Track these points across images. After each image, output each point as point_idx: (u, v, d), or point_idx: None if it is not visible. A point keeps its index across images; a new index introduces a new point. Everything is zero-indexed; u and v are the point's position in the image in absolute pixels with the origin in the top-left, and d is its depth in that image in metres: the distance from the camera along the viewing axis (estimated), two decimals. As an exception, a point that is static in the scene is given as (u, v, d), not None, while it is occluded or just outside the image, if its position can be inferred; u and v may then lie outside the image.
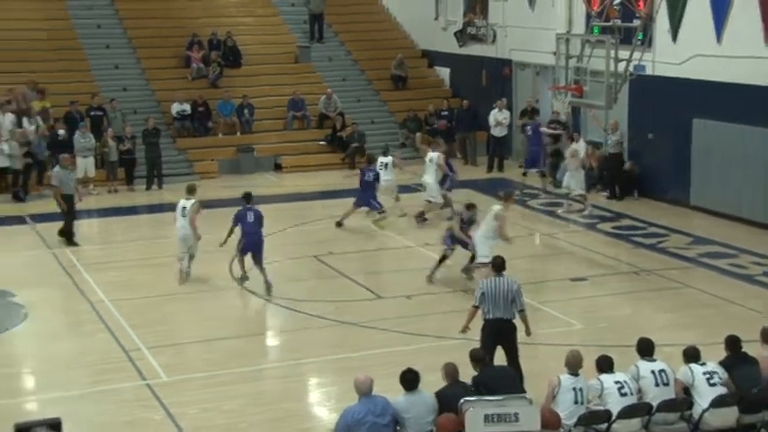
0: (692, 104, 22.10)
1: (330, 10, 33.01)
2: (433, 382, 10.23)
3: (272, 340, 15.59)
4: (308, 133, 28.98)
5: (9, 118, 24.97)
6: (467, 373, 10.42)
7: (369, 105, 30.77)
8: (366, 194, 21.22)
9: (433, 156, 21.30)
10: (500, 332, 12.03)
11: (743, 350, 10.92)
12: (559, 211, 22.09)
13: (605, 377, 10.37)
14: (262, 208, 18.43)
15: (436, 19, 32.10)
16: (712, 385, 10.40)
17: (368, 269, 18.34)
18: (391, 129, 29.83)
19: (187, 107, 27.98)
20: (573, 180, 22.10)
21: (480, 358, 10.70)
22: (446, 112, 29.23)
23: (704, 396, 10.36)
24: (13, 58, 28.43)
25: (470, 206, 17.35)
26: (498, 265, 12.45)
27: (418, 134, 28.88)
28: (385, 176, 21.64)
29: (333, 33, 33.15)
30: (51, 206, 21.53)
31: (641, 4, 22.33)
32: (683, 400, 10.45)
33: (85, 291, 16.96)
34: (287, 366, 13.82)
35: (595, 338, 14.15)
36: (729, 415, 10.41)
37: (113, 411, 12.22)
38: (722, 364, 10.71)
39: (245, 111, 28.49)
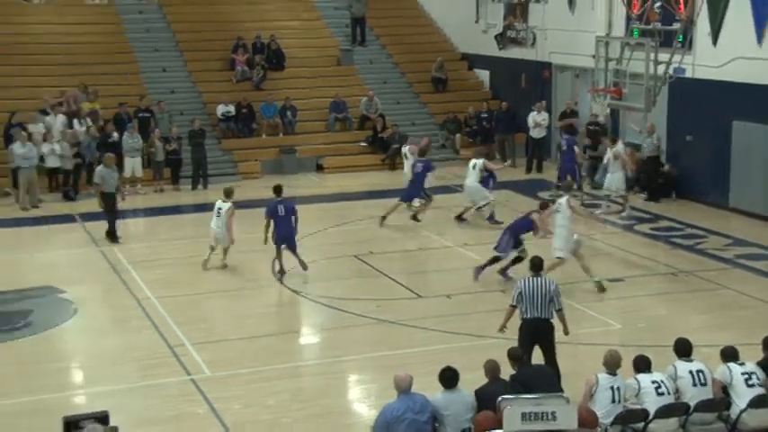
0: (732, 107, 21.86)
1: (372, 14, 33.06)
2: (471, 381, 10.19)
3: (313, 338, 15.62)
4: (349, 134, 29.02)
5: (60, 119, 25.30)
6: (505, 372, 10.38)
7: (409, 107, 30.74)
8: (414, 187, 21.31)
9: (478, 162, 21.23)
10: (537, 331, 11.96)
11: (781, 351, 10.81)
12: (598, 212, 21.92)
13: (642, 377, 10.28)
14: (304, 208, 18.65)
15: (476, 22, 32.01)
16: (751, 386, 10.28)
17: (408, 269, 18.31)
18: (431, 130, 29.71)
19: (232, 109, 28.14)
20: (614, 181, 21.94)
21: (518, 357, 10.65)
22: (486, 114, 29.14)
23: (742, 396, 10.24)
24: (67, 62, 28.83)
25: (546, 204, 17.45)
26: (536, 265, 12.40)
27: (458, 135, 28.87)
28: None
29: (374, 37, 33.17)
30: (99, 205, 21.76)
31: (682, 6, 22.14)
32: (721, 400, 10.34)
33: (132, 288, 17.11)
34: (328, 363, 13.83)
35: (633, 338, 14.05)
36: (767, 415, 10.28)
37: (159, 405, 12.30)
38: (759, 364, 10.59)
39: (288, 112, 28.58)
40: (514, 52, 29.93)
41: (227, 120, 28.05)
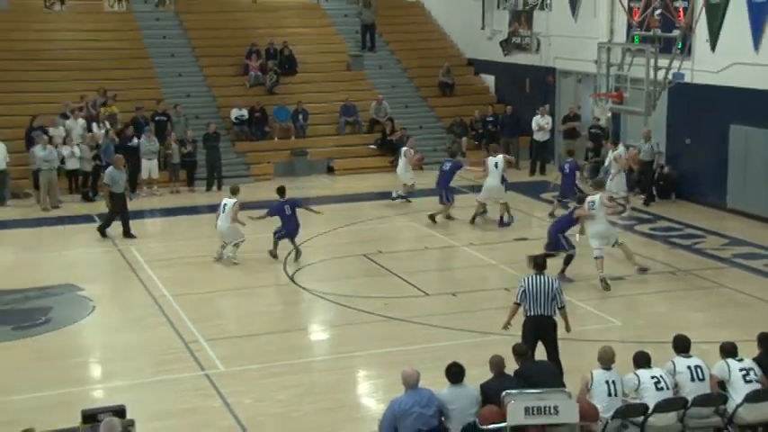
0: (730, 111, 21.81)
1: (381, 20, 33.07)
2: (476, 376, 10.19)
3: (322, 334, 15.61)
4: (359, 137, 29.01)
5: (80, 123, 25.36)
6: (510, 368, 10.37)
7: (417, 111, 30.72)
8: (442, 183, 21.41)
9: (499, 159, 21.21)
10: (541, 328, 11.96)
11: (776, 348, 10.78)
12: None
13: (642, 372, 10.27)
14: (315, 209, 18.71)
15: (482, 29, 31.99)
16: (748, 382, 10.27)
17: (415, 267, 18.30)
18: (438, 134, 29.78)
19: (245, 112, 28.16)
20: (615, 183, 21.89)
21: (523, 353, 10.66)
22: (491, 118, 29.15)
23: (739, 391, 10.23)
24: (86, 68, 28.89)
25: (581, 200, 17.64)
26: (539, 264, 12.38)
27: (464, 138, 28.85)
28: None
29: (384, 43, 33.17)
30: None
31: (681, 14, 22.13)
32: (718, 394, 10.32)
33: (148, 286, 17.14)
34: (337, 359, 13.83)
35: (633, 335, 14.02)
36: (763, 410, 10.26)
37: (174, 399, 12.33)
38: (755, 360, 10.56)
39: (300, 116, 28.59)
40: (519, 58, 29.88)
41: (240, 123, 28.08)
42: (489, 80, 32.06)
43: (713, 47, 22.24)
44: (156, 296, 16.52)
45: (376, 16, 32.62)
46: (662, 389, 10.11)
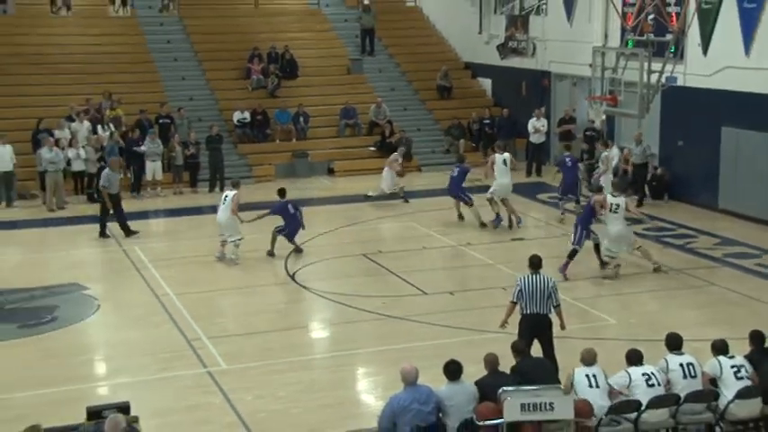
0: (721, 114, 21.81)
1: (380, 25, 33.04)
2: (473, 373, 10.18)
3: (322, 332, 15.60)
4: (359, 140, 29.01)
5: (85, 125, 25.36)
6: (506, 365, 10.37)
7: (415, 114, 30.72)
8: (454, 188, 21.39)
9: (507, 156, 21.17)
10: (537, 326, 11.95)
11: (766, 345, 10.76)
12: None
13: (633, 370, 10.27)
14: (315, 209, 18.79)
15: (480, 33, 31.98)
16: (739, 378, 10.26)
17: (414, 267, 18.28)
18: (436, 136, 29.80)
19: (247, 115, 28.15)
20: (605, 184, 21.88)
21: (521, 349, 10.67)
22: (488, 121, 29.17)
23: (730, 388, 10.22)
24: (91, 71, 28.82)
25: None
26: (535, 263, 12.36)
27: (461, 140, 28.85)
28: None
29: (383, 47, 33.15)
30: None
31: (674, 19, 22.13)
32: (710, 391, 10.32)
33: (152, 285, 17.13)
34: (337, 357, 13.82)
35: (627, 333, 14.03)
36: (754, 406, 10.27)
37: (177, 396, 12.32)
38: (747, 357, 10.55)
39: (301, 119, 28.58)
40: (515, 62, 29.87)
41: (242, 126, 28.07)
42: (486, 83, 32.05)
43: (705, 51, 22.24)
44: (159, 295, 16.51)
45: (375, 21, 32.60)
46: (653, 385, 10.11)
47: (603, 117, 24.95)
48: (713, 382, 10.39)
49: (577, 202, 21.98)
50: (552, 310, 12.07)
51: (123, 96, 27.35)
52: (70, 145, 24.40)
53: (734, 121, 21.53)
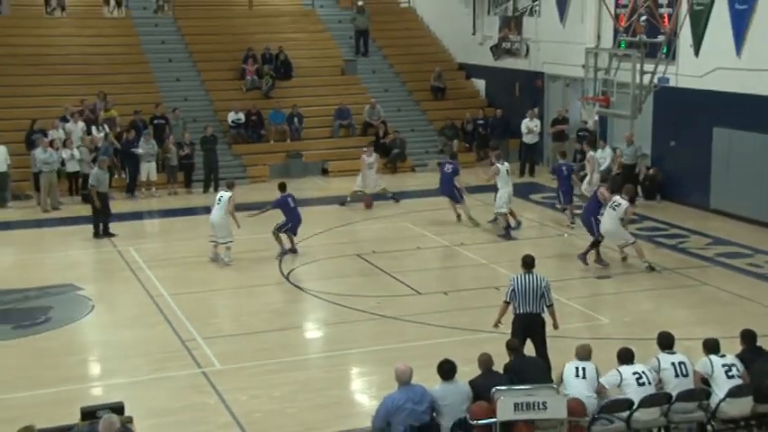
0: (713, 114, 21.86)
1: (374, 26, 33.06)
2: (467, 373, 10.19)
3: (317, 332, 15.59)
4: (353, 140, 28.99)
5: (80, 126, 25.31)
6: (500, 364, 10.39)
7: (409, 114, 30.73)
8: (445, 187, 21.39)
9: (508, 165, 21.19)
10: (530, 326, 11.97)
11: (757, 344, 10.78)
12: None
13: (624, 368, 10.28)
14: (310, 209, 18.77)
15: (473, 34, 31.99)
16: (730, 377, 10.27)
17: (408, 267, 18.29)
18: (430, 136, 29.81)
19: (242, 116, 28.14)
20: (585, 184, 21.97)
21: (516, 348, 10.70)
22: (482, 121, 29.20)
23: (722, 387, 10.23)
24: (86, 72, 28.84)
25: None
26: (528, 263, 12.37)
27: (455, 141, 28.88)
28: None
29: (377, 48, 33.16)
30: (116, 207, 21.84)
31: (666, 20, 22.15)
32: (702, 390, 10.34)
33: (146, 285, 17.10)
34: (331, 357, 13.82)
35: (619, 332, 14.04)
36: (745, 404, 10.29)
37: (171, 396, 12.31)
38: (738, 356, 10.57)
39: (295, 119, 28.58)
40: (509, 63, 29.89)
41: (237, 126, 28.06)
42: (480, 84, 32.08)
43: (697, 52, 22.29)
44: (153, 295, 16.48)
45: (369, 22, 32.61)
46: (643, 384, 10.12)
47: (596, 118, 25.04)
48: (705, 380, 10.41)
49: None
50: (545, 309, 12.08)
51: (118, 97, 27.32)
52: (65, 145, 24.35)
53: (726, 122, 21.57)
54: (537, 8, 28.77)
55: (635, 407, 9.99)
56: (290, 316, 16.13)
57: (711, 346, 10.60)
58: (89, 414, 9.53)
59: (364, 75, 31.77)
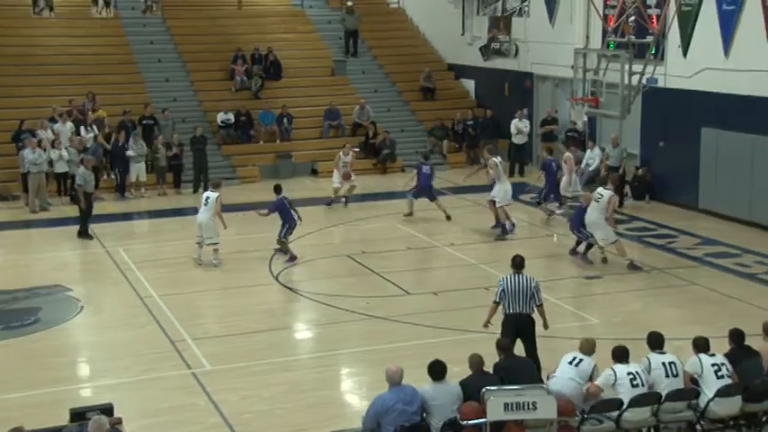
0: (701, 115, 21.92)
1: (364, 27, 33.05)
2: (458, 373, 10.19)
3: (307, 333, 15.56)
4: (342, 141, 28.79)
5: (68, 126, 25.22)
6: (491, 365, 10.38)
7: (399, 115, 30.72)
8: (428, 186, 21.70)
9: (500, 159, 21.27)
10: (519, 326, 11.98)
11: (746, 343, 10.81)
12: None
13: (619, 368, 10.27)
14: (299, 210, 18.71)
15: (462, 35, 32.01)
16: (720, 377, 10.28)
17: (397, 267, 18.29)
18: (420, 137, 29.82)
19: (231, 116, 28.09)
20: (564, 184, 22.01)
21: (506, 347, 10.69)
22: (471, 122, 29.23)
23: (711, 386, 10.25)
24: (75, 72, 28.75)
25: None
26: (518, 263, 12.38)
27: (445, 141, 28.91)
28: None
29: (366, 48, 33.15)
30: (106, 208, 21.78)
31: (654, 21, 22.22)
32: (691, 389, 10.35)
33: (136, 286, 17.05)
34: (321, 357, 13.80)
35: (610, 332, 14.05)
36: (733, 404, 10.31)
37: (161, 397, 12.27)
38: (727, 356, 10.59)
39: (285, 120, 28.54)
40: (498, 63, 29.93)
41: (226, 127, 28.01)
42: (469, 84, 32.09)
43: (685, 53, 22.36)
44: (143, 296, 16.44)
45: (359, 23, 32.60)
46: (637, 386, 10.12)
47: (585, 118, 25.09)
48: (693, 380, 10.43)
49: (560, 203, 22.03)
50: (535, 309, 12.09)
51: (107, 97, 27.23)
52: (53, 146, 24.26)
53: (714, 122, 21.64)
54: (526, 9, 28.79)
55: (625, 407, 10.00)
56: (280, 316, 16.09)
57: (701, 345, 10.60)
58: (78, 415, 9.50)
59: (354, 75, 31.76)
